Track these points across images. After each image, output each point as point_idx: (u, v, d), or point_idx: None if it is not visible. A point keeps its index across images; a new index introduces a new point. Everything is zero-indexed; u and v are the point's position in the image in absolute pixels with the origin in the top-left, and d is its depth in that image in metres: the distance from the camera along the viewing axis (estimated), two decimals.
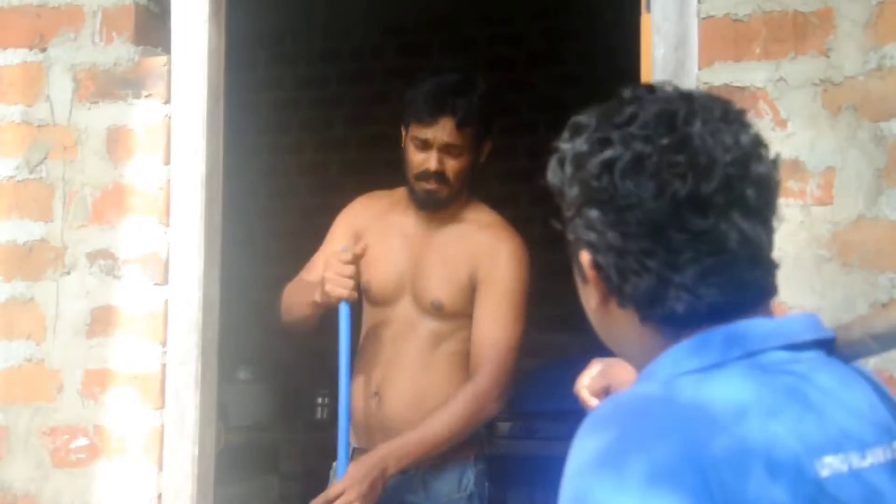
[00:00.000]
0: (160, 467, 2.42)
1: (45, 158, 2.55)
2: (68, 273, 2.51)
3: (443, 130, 2.57)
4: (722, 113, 1.07)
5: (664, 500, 0.93)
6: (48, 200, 2.54)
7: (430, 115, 2.57)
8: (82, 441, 2.46)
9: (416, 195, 2.64)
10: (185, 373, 2.43)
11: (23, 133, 2.57)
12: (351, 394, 2.64)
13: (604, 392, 1.71)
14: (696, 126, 1.05)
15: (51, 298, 2.51)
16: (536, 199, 5.55)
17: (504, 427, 4.23)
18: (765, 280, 1.09)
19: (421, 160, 2.59)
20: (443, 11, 5.37)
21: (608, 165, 1.06)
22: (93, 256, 2.50)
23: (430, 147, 2.58)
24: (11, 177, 2.57)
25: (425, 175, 2.59)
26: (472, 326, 2.61)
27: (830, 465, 0.99)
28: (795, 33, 2.08)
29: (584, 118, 1.11)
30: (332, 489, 2.46)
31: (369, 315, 2.74)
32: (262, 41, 5.57)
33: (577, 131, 1.11)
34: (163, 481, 2.42)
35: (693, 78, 2.12)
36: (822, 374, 1.06)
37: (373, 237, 2.69)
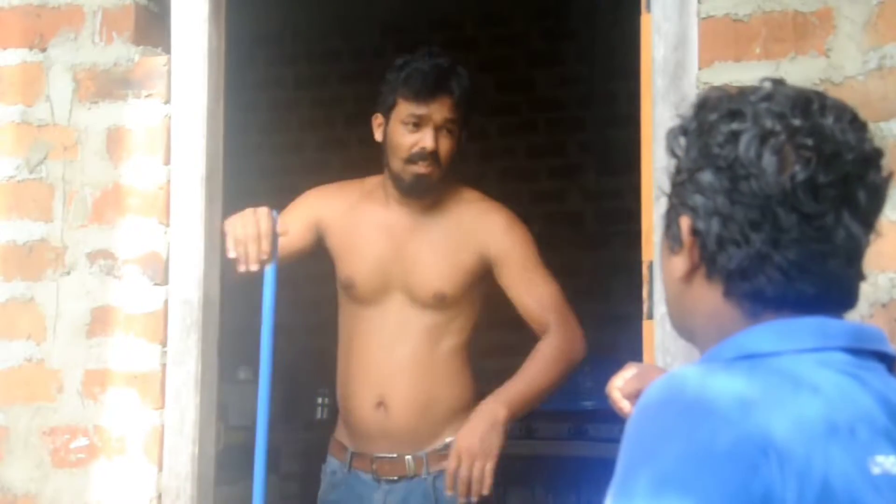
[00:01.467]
0: (160, 467, 2.42)
1: (45, 158, 2.55)
2: (68, 273, 2.51)
3: (441, 107, 2.56)
4: (852, 116, 1.11)
5: (732, 474, 0.95)
6: (48, 200, 2.54)
7: (431, 92, 2.55)
8: (82, 441, 2.46)
9: (403, 181, 2.58)
10: (184, 373, 2.43)
11: (23, 133, 2.57)
12: (351, 398, 2.61)
13: (636, 395, 1.71)
14: (829, 119, 1.09)
15: (51, 298, 2.51)
16: (536, 198, 5.58)
17: None
18: (854, 283, 1.12)
19: (414, 140, 2.55)
20: (443, 11, 5.37)
21: (735, 134, 1.09)
22: (93, 256, 2.50)
23: (425, 125, 2.55)
24: (11, 177, 2.57)
25: (420, 155, 2.54)
26: (512, 297, 2.59)
27: (882, 465, 1.01)
28: (795, 33, 2.08)
29: (716, 94, 1.15)
30: (450, 461, 2.39)
31: (355, 314, 2.65)
32: (262, 41, 5.57)
33: (705, 105, 1.14)
34: (163, 481, 2.42)
35: (693, 78, 2.12)
36: (882, 383, 1.08)
37: (345, 231, 2.63)
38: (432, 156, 2.54)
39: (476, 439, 2.37)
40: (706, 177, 1.10)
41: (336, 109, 5.59)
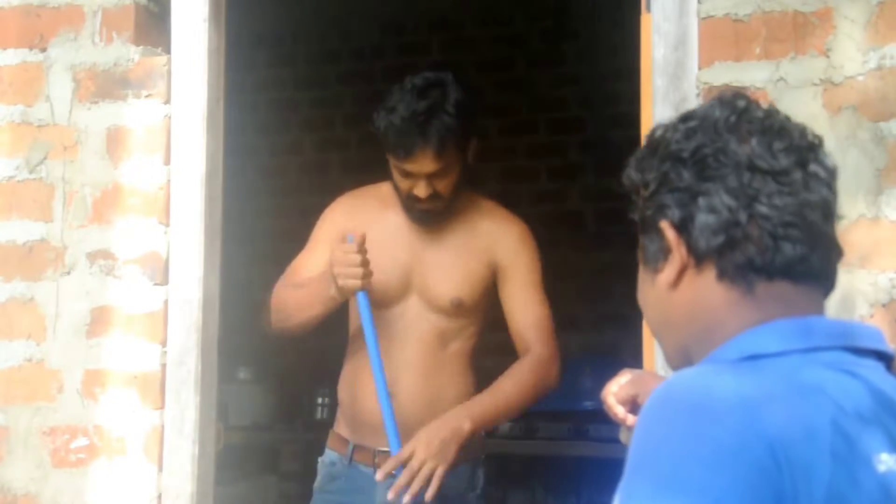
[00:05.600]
0: (160, 467, 2.42)
1: (45, 158, 2.55)
2: (68, 273, 2.51)
3: (423, 162, 2.47)
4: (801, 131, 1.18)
5: (736, 476, 0.95)
6: (48, 200, 2.54)
7: (405, 151, 2.47)
8: (82, 441, 2.46)
9: (412, 215, 2.59)
10: (184, 373, 2.43)
11: (23, 133, 2.57)
12: (361, 390, 2.60)
13: (631, 401, 1.71)
14: (778, 113, 1.18)
15: (51, 298, 2.51)
16: (536, 198, 5.57)
17: (504, 427, 4.23)
18: (834, 250, 1.15)
19: (409, 186, 2.53)
20: (443, 11, 5.37)
21: (692, 130, 1.15)
22: (93, 256, 2.50)
23: (415, 176, 2.50)
24: (11, 177, 2.57)
25: (417, 199, 2.53)
26: (507, 310, 2.61)
27: (886, 463, 1.03)
28: (795, 33, 2.08)
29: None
30: (403, 450, 2.37)
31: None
32: (262, 41, 5.57)
33: (652, 135, 1.21)
34: (163, 481, 2.42)
35: (693, 78, 2.12)
36: (882, 382, 1.09)
37: (367, 237, 2.61)
38: (430, 197, 2.53)
39: (437, 440, 2.37)
40: (673, 172, 1.15)
41: (335, 110, 5.59)
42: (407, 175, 2.52)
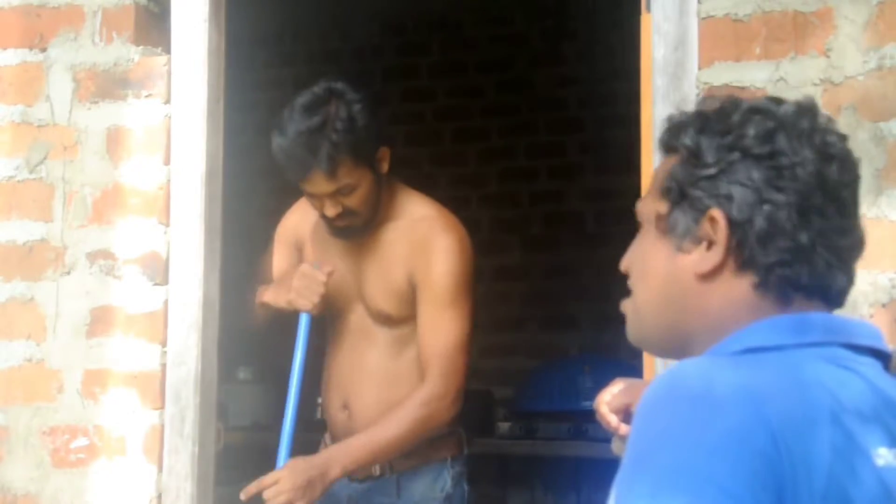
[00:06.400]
0: (160, 467, 2.42)
1: (45, 158, 2.55)
2: (68, 273, 2.51)
3: (317, 184, 2.38)
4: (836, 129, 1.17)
5: (737, 463, 0.95)
6: (48, 200, 2.54)
7: (297, 174, 2.39)
8: (82, 441, 2.46)
9: (332, 232, 2.51)
10: (184, 373, 2.43)
11: (23, 133, 2.57)
12: (325, 401, 2.63)
13: (624, 410, 1.71)
14: (833, 127, 1.17)
15: (51, 298, 2.51)
16: (536, 198, 5.57)
17: (504, 427, 4.23)
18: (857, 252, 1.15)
19: (317, 206, 2.44)
20: (443, 11, 5.36)
21: (771, 131, 1.11)
22: (93, 256, 2.50)
23: (318, 197, 2.42)
24: (11, 177, 2.57)
25: (328, 218, 2.45)
26: (417, 329, 2.49)
27: (884, 457, 1.03)
28: (795, 33, 2.08)
29: (716, 101, 1.17)
30: (268, 476, 2.36)
31: (329, 323, 2.67)
32: (262, 41, 5.57)
33: (714, 108, 1.16)
34: (162, 481, 2.42)
35: (693, 78, 2.12)
36: (880, 379, 1.10)
37: (315, 247, 2.62)
38: (341, 215, 2.43)
39: (304, 477, 2.34)
40: (741, 166, 1.10)
41: None
42: (311, 196, 2.43)
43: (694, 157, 1.13)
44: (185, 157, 2.47)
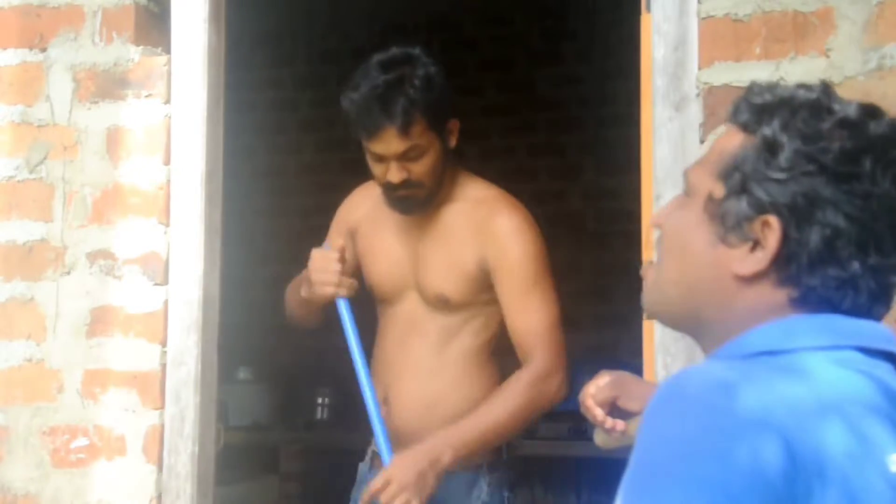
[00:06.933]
0: (160, 467, 2.42)
1: (45, 158, 2.55)
2: (68, 273, 2.51)
3: (388, 142, 2.32)
4: None
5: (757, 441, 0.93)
6: (48, 200, 2.54)
7: (368, 131, 2.33)
8: (82, 441, 2.46)
9: (392, 204, 2.44)
10: (184, 373, 2.43)
11: (23, 133, 2.57)
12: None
13: (610, 403, 1.69)
14: None
15: (51, 298, 2.51)
16: (536, 198, 5.57)
17: None
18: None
19: (381, 172, 2.37)
20: (443, 11, 5.37)
21: (857, 152, 1.05)
22: (93, 256, 2.50)
23: (385, 159, 2.35)
24: (11, 177, 2.57)
25: (391, 186, 2.38)
26: (504, 315, 2.41)
27: None
28: (795, 33, 2.08)
29: (805, 94, 1.09)
30: (376, 480, 2.24)
31: (380, 313, 2.60)
32: (261, 41, 5.57)
33: (803, 105, 1.08)
34: (163, 481, 2.42)
35: (693, 78, 2.12)
36: (894, 383, 1.07)
37: (368, 231, 2.57)
38: (405, 183, 2.36)
39: (413, 472, 2.22)
40: (818, 182, 1.04)
41: (335, 110, 5.51)
42: (378, 159, 2.36)
43: (768, 153, 1.07)
44: (184, 158, 2.47)
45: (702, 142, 2.10)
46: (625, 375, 1.73)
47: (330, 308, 2.50)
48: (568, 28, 5.26)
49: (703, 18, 2.13)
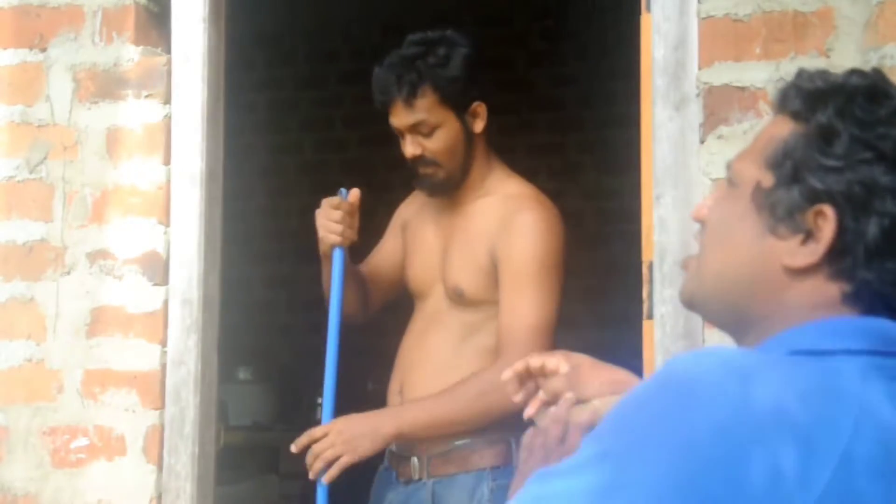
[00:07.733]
0: (160, 467, 2.42)
1: (44, 158, 2.55)
2: (68, 273, 2.51)
3: (397, 114, 2.38)
4: None
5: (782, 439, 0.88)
6: (48, 200, 2.54)
7: (379, 102, 2.40)
8: (82, 441, 2.46)
9: (417, 184, 2.50)
10: (184, 373, 2.43)
11: (23, 133, 2.57)
12: (388, 388, 2.51)
13: (558, 395, 1.51)
14: None
15: (51, 298, 2.51)
16: None
17: None
18: None
19: (402, 147, 2.42)
20: (443, 11, 5.37)
21: None
22: (93, 256, 2.50)
23: (402, 134, 2.41)
24: (11, 177, 2.57)
25: (410, 163, 2.43)
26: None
27: None
28: (795, 33, 2.08)
29: (858, 80, 1.05)
30: (318, 428, 2.32)
31: (414, 308, 2.60)
32: (261, 41, 5.57)
33: (857, 90, 1.04)
34: (163, 481, 2.42)
35: (693, 78, 2.12)
36: None
37: (415, 227, 2.60)
38: (422, 159, 2.39)
39: (352, 432, 2.27)
40: (876, 170, 0.99)
41: (335, 110, 5.59)
42: (398, 134, 2.41)
43: (823, 141, 1.02)
44: (184, 158, 2.47)
45: (702, 142, 2.10)
46: (581, 365, 1.62)
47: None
48: (567, 28, 5.26)
49: (703, 18, 2.13)
